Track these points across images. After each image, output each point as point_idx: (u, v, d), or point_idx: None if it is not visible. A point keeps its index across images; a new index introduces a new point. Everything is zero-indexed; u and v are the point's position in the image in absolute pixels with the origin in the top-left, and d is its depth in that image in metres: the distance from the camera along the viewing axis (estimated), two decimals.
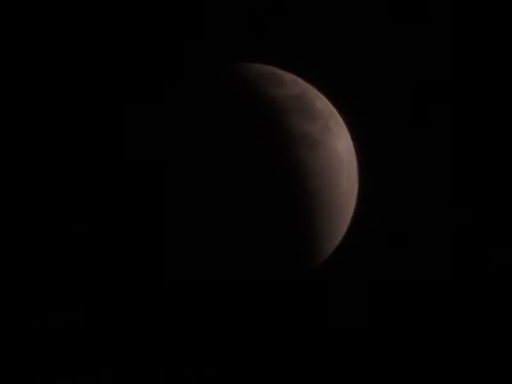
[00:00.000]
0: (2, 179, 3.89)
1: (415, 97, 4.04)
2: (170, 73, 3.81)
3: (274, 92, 3.38)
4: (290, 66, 3.60)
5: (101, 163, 3.87)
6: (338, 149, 3.47)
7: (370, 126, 3.97)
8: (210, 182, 3.25)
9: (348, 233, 3.76)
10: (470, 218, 4.07)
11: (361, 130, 3.81)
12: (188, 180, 3.29)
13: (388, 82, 4.02)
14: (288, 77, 3.54)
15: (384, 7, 3.99)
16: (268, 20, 3.97)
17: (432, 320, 4.07)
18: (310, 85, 3.57)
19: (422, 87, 4.03)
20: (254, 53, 3.76)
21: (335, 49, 3.97)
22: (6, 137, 3.89)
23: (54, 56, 3.91)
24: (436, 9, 3.93)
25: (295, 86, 3.50)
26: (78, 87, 3.95)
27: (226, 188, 3.25)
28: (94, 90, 3.96)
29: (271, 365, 3.99)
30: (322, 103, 3.54)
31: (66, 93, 3.93)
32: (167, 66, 3.91)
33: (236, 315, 3.96)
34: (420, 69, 4.03)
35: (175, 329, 3.96)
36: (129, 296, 3.93)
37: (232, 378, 3.94)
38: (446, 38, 4.00)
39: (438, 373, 4.04)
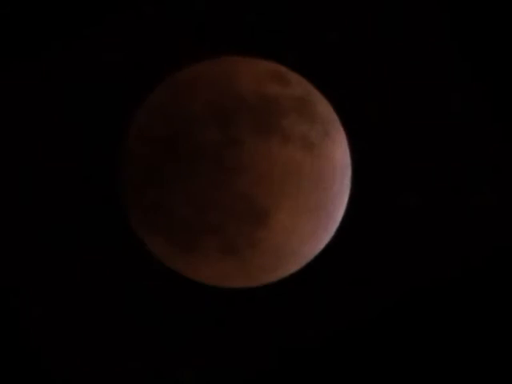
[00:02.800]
0: None
1: (419, 111, 4.03)
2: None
3: (277, 90, 3.38)
4: (298, 66, 3.60)
5: None
6: (334, 155, 3.46)
7: (371, 135, 3.96)
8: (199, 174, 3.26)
9: (333, 240, 3.77)
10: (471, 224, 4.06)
11: (360, 139, 3.83)
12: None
13: (395, 95, 4.02)
14: (293, 76, 3.53)
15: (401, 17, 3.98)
16: (282, 17, 3.96)
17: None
18: (314, 87, 3.57)
19: (427, 100, 4.02)
20: (263, 48, 3.76)
21: (346, 54, 3.96)
22: None
23: None
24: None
25: (299, 86, 3.49)
26: None
27: (213, 181, 3.25)
28: None
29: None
30: (324, 107, 3.53)
31: None
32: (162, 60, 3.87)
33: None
34: (426, 81, 4.02)
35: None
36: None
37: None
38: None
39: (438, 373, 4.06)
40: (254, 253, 3.40)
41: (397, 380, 4.06)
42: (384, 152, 3.97)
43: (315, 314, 4.06)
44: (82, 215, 3.94)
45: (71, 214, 3.94)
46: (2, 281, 3.93)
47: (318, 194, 3.40)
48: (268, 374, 4.07)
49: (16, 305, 3.95)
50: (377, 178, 3.98)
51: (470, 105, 4.02)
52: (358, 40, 3.93)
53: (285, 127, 3.31)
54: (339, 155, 3.51)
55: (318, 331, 4.07)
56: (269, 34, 3.89)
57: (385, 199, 4.01)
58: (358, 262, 4.04)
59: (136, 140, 3.49)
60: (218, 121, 3.27)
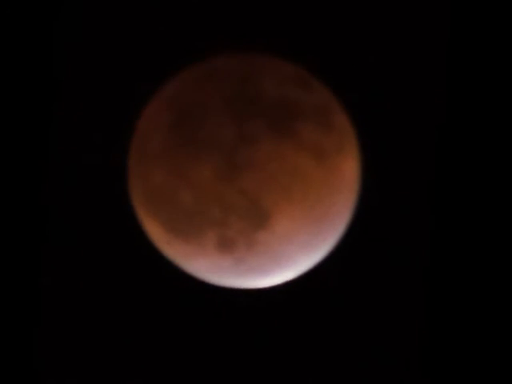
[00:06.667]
0: None
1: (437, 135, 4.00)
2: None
3: (298, 94, 3.37)
4: (322, 73, 3.59)
5: None
6: (344, 167, 3.44)
7: (385, 151, 3.94)
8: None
9: (334, 252, 3.75)
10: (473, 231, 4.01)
11: (374, 154, 3.81)
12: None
13: (415, 115, 3.99)
14: (316, 83, 3.52)
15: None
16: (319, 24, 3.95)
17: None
18: (335, 96, 3.55)
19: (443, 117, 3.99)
20: (290, 50, 3.75)
21: (373, 68, 3.95)
22: None
23: None
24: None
25: (320, 94, 3.48)
26: None
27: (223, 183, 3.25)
28: None
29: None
30: (341, 118, 3.51)
31: None
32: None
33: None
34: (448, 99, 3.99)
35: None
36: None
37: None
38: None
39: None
40: (250, 253, 3.39)
41: None
42: (396, 169, 3.95)
43: (305, 324, 4.04)
44: (83, 203, 3.96)
45: (71, 203, 3.97)
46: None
47: (324, 204, 3.38)
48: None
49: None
50: (385, 195, 3.95)
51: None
52: (385, 57, 3.92)
53: (300, 133, 3.29)
54: (350, 168, 3.49)
55: (307, 341, 4.05)
56: (299, 37, 3.88)
57: (392, 217, 3.99)
58: (357, 276, 4.02)
59: (147, 126, 3.51)
60: (234, 116, 3.26)
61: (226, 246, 3.36)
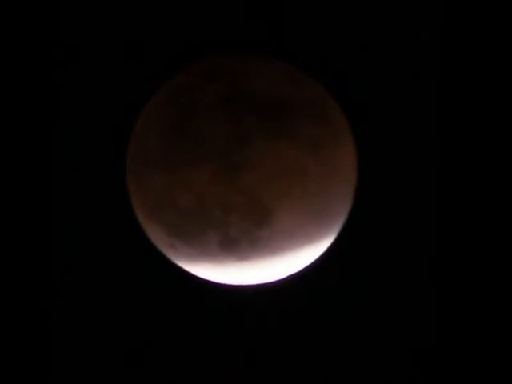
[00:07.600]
0: None
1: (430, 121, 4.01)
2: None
3: (289, 91, 3.37)
4: (312, 69, 3.60)
5: None
6: (341, 159, 3.45)
7: (380, 141, 3.95)
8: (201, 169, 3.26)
9: (335, 244, 3.76)
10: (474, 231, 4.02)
11: (369, 144, 3.82)
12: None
13: (407, 103, 3.99)
14: (306, 79, 3.53)
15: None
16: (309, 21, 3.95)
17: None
18: (326, 91, 3.56)
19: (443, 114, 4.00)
20: (279, 49, 3.75)
21: (361, 61, 3.95)
22: None
23: None
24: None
25: (312, 89, 3.49)
26: None
27: (222, 177, 3.25)
28: None
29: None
30: (335, 111, 3.52)
31: None
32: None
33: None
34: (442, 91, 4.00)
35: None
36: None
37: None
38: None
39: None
40: (253, 251, 3.40)
41: None
42: (391, 158, 3.96)
43: (308, 317, 4.05)
44: (86, 203, 3.97)
45: (75, 202, 3.97)
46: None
47: (323, 196, 3.39)
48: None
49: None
50: (382, 184, 3.96)
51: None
52: (374, 48, 3.92)
53: (294, 128, 3.30)
54: (346, 159, 3.50)
55: (311, 334, 4.07)
56: (287, 35, 3.88)
57: (389, 206, 4.00)
58: (359, 266, 4.03)
59: (144, 129, 3.51)
60: (228, 117, 3.27)
61: (229, 245, 3.37)
